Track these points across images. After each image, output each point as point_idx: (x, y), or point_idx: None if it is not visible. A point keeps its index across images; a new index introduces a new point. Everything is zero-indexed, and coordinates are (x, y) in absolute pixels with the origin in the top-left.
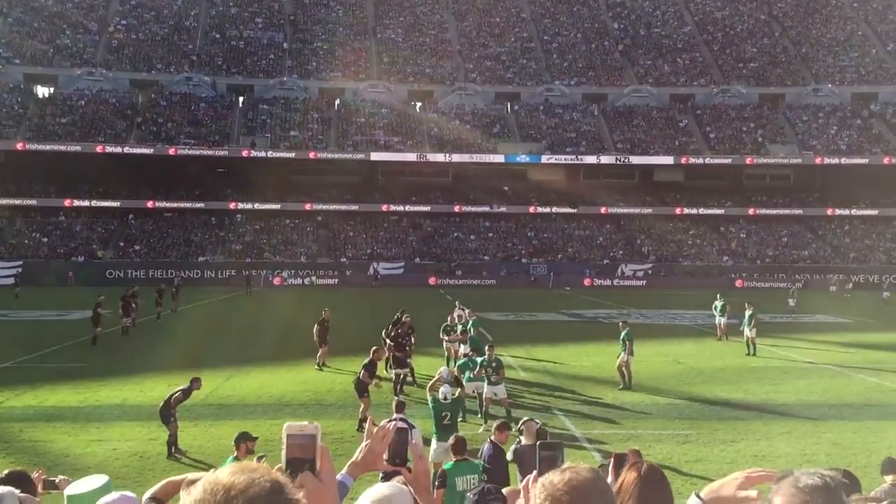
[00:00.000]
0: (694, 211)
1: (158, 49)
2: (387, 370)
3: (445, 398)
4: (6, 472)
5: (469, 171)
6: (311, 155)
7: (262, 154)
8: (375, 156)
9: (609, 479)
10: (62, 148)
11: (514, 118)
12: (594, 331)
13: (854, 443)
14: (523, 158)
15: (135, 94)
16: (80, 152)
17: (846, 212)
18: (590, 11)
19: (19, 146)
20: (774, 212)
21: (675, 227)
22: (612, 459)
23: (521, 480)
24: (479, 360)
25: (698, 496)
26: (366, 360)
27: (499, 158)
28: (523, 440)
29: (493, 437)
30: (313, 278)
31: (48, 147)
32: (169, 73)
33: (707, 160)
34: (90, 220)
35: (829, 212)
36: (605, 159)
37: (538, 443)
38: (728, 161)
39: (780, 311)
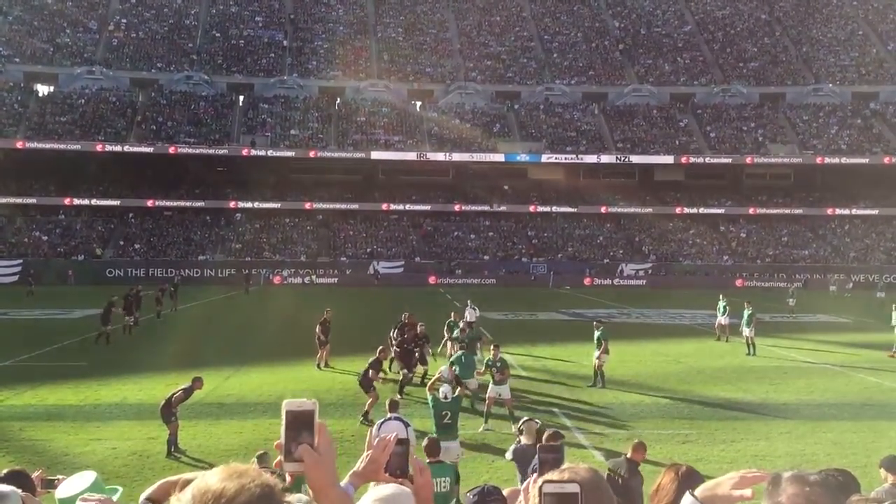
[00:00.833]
0: (694, 210)
1: (158, 48)
2: (389, 370)
3: (446, 397)
4: (5, 471)
5: (469, 170)
6: (311, 154)
7: (262, 153)
8: (375, 155)
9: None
10: (62, 146)
11: (514, 117)
12: (593, 330)
13: (854, 442)
14: (523, 157)
15: (135, 92)
16: (80, 151)
17: (846, 211)
18: (590, 10)
19: (19, 144)
20: (775, 211)
21: (676, 227)
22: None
23: (521, 480)
24: (473, 357)
25: (693, 495)
26: (372, 359)
27: (499, 157)
28: (523, 440)
29: (628, 455)
30: (313, 277)
31: (48, 145)
32: (169, 72)
33: (707, 159)
34: (90, 218)
35: (830, 211)
36: (606, 158)
37: (539, 444)
38: (728, 160)
39: (780, 310)
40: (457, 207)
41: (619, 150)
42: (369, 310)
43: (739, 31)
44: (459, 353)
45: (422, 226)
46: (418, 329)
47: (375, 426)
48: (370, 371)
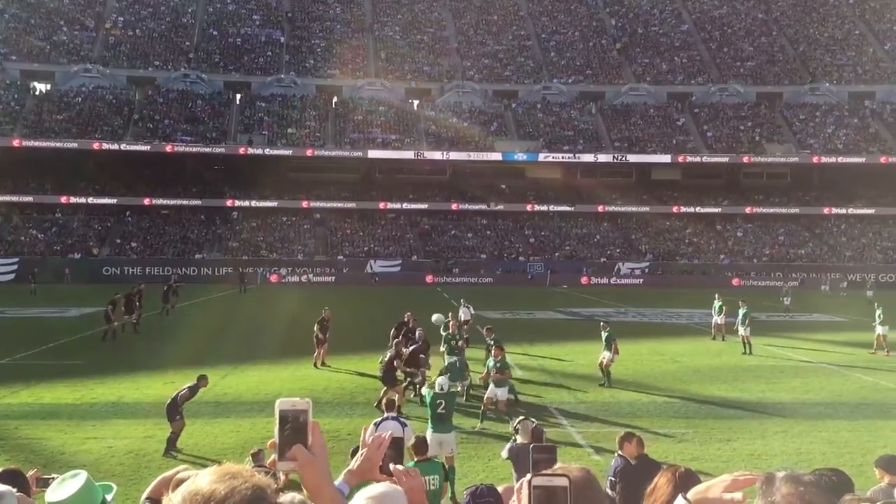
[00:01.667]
0: (691, 209)
1: (156, 46)
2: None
3: (442, 388)
4: (0, 470)
5: (466, 169)
6: (309, 152)
7: (260, 151)
8: (373, 153)
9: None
10: (59, 145)
11: (511, 116)
12: (591, 329)
13: (850, 441)
14: (521, 156)
15: (132, 90)
16: (77, 149)
17: (843, 210)
18: (587, 9)
19: (16, 143)
20: (771, 210)
21: (673, 226)
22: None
23: (516, 479)
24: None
25: (686, 498)
26: (389, 355)
27: (496, 156)
28: (519, 439)
29: (620, 451)
30: (310, 276)
31: (45, 144)
32: (166, 70)
33: (704, 159)
34: (86, 216)
35: (826, 211)
36: (603, 157)
37: (532, 445)
38: (725, 160)
39: (776, 309)
40: (454, 206)
41: (617, 149)
42: (366, 309)
43: (736, 30)
44: (449, 361)
45: (419, 224)
46: (417, 334)
47: (371, 425)
48: (395, 360)
